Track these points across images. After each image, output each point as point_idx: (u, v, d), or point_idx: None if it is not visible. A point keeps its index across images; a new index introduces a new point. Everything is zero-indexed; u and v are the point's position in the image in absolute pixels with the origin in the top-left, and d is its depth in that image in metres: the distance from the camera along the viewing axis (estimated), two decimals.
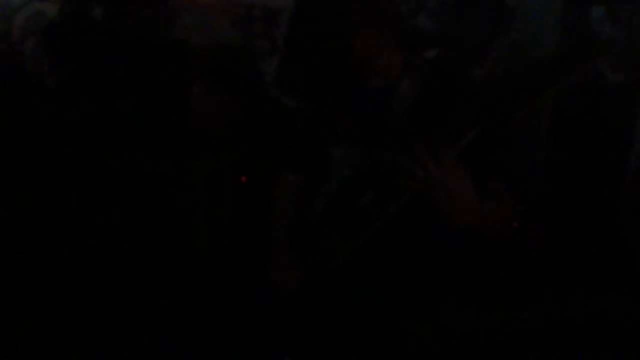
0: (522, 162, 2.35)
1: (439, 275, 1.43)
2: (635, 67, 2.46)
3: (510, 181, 1.26)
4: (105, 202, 2.38)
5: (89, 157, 2.39)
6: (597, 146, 2.41)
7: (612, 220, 2.42)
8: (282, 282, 1.53)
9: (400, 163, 1.23)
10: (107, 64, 2.31)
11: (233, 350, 2.05)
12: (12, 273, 2.22)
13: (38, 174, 2.40)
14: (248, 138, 2.29)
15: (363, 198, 1.36)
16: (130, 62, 2.31)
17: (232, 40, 2.37)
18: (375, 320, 1.41)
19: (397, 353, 1.41)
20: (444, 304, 1.43)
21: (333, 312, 1.46)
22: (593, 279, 2.19)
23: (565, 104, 2.37)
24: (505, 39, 2.47)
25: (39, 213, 2.38)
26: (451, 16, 2.43)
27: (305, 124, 1.65)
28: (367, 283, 1.42)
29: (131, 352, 2.05)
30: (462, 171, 1.14)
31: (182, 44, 2.32)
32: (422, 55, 1.50)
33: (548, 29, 2.49)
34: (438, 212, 1.15)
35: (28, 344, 2.04)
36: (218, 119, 2.34)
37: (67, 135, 2.38)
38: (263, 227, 1.64)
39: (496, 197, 1.22)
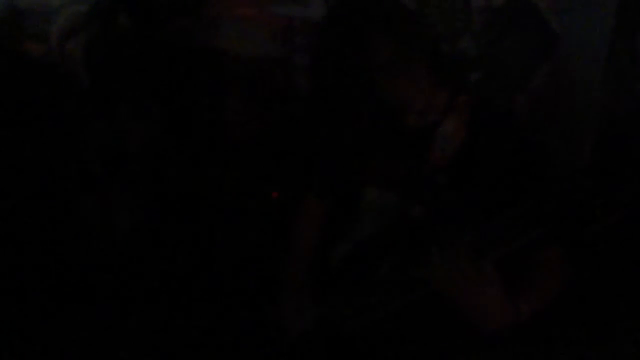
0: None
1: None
2: None
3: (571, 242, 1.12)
4: (131, 209, 2.36)
5: (119, 163, 2.37)
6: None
7: None
8: (288, 326, 1.40)
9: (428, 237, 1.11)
10: (143, 71, 2.30)
11: None
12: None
13: (66, 174, 2.40)
14: (283, 153, 2.25)
15: (383, 266, 1.24)
16: (167, 70, 2.29)
17: (271, 53, 2.33)
18: None
19: None
20: None
21: None
22: None
23: (609, 139, 2.30)
24: (549, 65, 2.41)
25: (61, 213, 2.37)
26: (496, 39, 2.38)
27: (337, 155, 1.47)
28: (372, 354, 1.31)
29: None
30: (493, 280, 1.02)
31: (220, 54, 2.30)
32: (468, 89, 1.35)
33: (594, 57, 2.43)
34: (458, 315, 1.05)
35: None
36: (253, 131, 2.30)
37: (99, 140, 2.37)
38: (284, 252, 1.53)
39: (546, 272, 1.12)
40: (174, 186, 2.29)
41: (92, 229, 2.34)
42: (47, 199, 2.35)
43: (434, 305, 1.12)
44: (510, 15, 2.39)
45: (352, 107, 1.29)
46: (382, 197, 1.33)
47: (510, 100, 2.36)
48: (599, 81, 2.40)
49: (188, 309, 2.12)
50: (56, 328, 2.08)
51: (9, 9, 2.39)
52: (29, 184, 2.34)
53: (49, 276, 2.22)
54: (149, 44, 2.21)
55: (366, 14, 1.19)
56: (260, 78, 2.31)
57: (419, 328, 1.24)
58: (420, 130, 1.27)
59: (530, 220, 0.96)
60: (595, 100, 2.40)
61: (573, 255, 1.16)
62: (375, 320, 1.23)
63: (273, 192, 2.25)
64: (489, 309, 1.04)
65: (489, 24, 2.39)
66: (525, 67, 2.40)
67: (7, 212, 2.30)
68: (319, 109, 1.73)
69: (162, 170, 2.29)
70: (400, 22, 1.21)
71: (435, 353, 1.25)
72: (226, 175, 2.28)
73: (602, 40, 2.40)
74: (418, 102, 1.24)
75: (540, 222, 0.95)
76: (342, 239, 1.38)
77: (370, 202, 1.34)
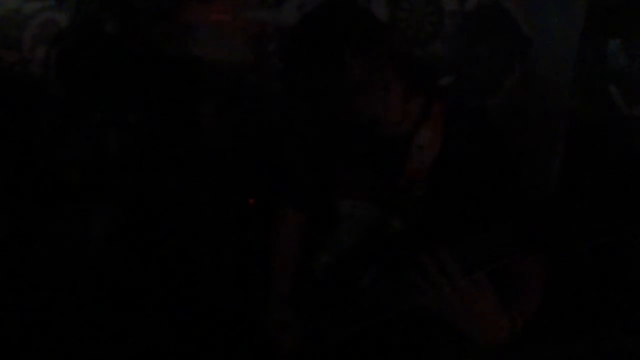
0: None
1: None
2: None
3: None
4: (108, 218, 2.35)
5: (92, 169, 2.36)
6: (615, 183, 2.36)
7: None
8: (277, 340, 1.39)
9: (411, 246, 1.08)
10: (117, 77, 2.29)
11: None
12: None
13: (40, 183, 2.38)
14: (257, 159, 2.26)
15: (365, 277, 1.23)
16: (141, 75, 2.29)
17: (245, 58, 2.34)
18: None
19: None
20: None
21: None
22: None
23: (579, 140, 2.33)
24: (521, 67, 2.44)
25: (37, 223, 2.35)
26: (468, 43, 2.40)
27: (310, 166, 1.44)
28: None
29: None
30: (484, 291, 1.00)
31: (194, 60, 2.30)
32: (442, 94, 1.29)
33: (564, 60, 2.46)
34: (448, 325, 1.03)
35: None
36: (228, 137, 2.31)
37: (72, 146, 2.36)
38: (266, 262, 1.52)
39: (531, 278, 1.12)
40: (150, 194, 2.28)
41: (69, 238, 2.33)
42: (23, 209, 2.34)
43: (420, 316, 1.11)
44: (482, 19, 2.41)
45: (324, 119, 1.28)
46: (360, 208, 1.31)
47: (483, 103, 2.38)
48: (569, 83, 2.43)
49: (167, 320, 2.11)
50: (31, 335, 2.06)
51: None
52: (4, 193, 2.33)
53: (25, 285, 2.21)
54: (127, 51, 2.21)
55: (336, 31, 1.16)
56: (235, 84, 2.31)
57: (405, 338, 1.24)
58: (396, 140, 1.25)
59: (519, 236, 0.95)
60: (566, 101, 2.43)
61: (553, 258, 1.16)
62: (361, 331, 1.22)
63: (249, 198, 2.26)
64: (485, 322, 1.02)
65: (461, 27, 2.41)
66: (497, 70, 2.43)
67: None
68: (291, 118, 1.71)
69: (139, 177, 2.28)
70: (371, 38, 1.19)
71: None
72: (202, 182, 2.27)
73: (572, 43, 2.44)
74: (393, 114, 1.20)
75: (529, 238, 0.94)
76: (323, 250, 1.38)
77: (348, 214, 1.32)
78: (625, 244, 0.97)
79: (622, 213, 0.88)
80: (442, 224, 1.18)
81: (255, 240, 2.16)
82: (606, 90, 2.43)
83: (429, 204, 1.22)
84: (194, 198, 2.31)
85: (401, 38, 2.23)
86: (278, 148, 2.12)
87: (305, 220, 1.49)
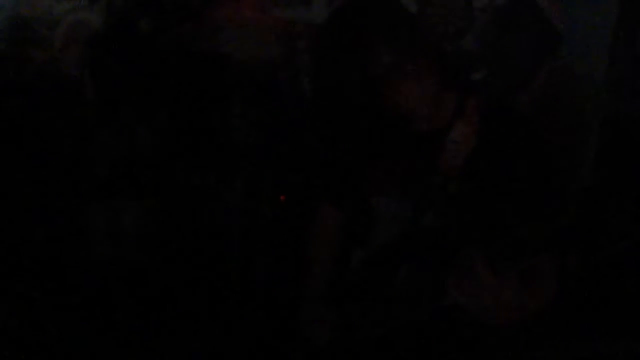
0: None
1: None
2: None
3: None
4: (139, 214, 2.36)
5: (122, 167, 2.38)
6: None
7: None
8: (311, 334, 1.41)
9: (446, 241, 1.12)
10: (147, 76, 2.30)
11: None
12: None
13: (73, 181, 2.40)
14: (289, 156, 2.26)
15: (399, 273, 1.25)
16: (171, 74, 2.30)
17: (275, 56, 2.33)
18: None
19: None
20: None
21: None
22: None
23: (613, 136, 2.30)
24: (552, 63, 2.41)
25: (68, 220, 2.38)
26: (498, 38, 2.38)
27: (346, 163, 1.46)
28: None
29: None
30: (511, 286, 1.05)
31: (223, 58, 2.30)
32: (475, 91, 1.32)
33: (596, 54, 2.43)
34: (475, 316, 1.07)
35: None
36: (259, 134, 2.31)
37: (106, 146, 2.38)
38: (299, 258, 1.54)
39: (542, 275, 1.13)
40: (180, 191, 2.30)
41: (99, 235, 2.35)
42: (54, 206, 2.36)
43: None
44: (513, 13, 2.39)
45: (357, 114, 1.29)
46: (394, 205, 1.32)
47: (514, 98, 2.36)
48: (601, 78, 2.40)
49: (200, 317, 2.12)
50: (60, 334, 2.08)
51: (13, 17, 2.40)
52: (36, 191, 2.35)
53: (55, 281, 2.23)
54: (157, 50, 2.22)
55: (366, 21, 1.18)
56: (264, 82, 2.31)
57: (436, 333, 1.24)
58: (429, 136, 1.26)
59: (548, 239, 0.97)
60: (598, 96, 2.40)
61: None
62: (395, 327, 1.23)
63: (281, 195, 2.26)
64: (504, 309, 1.07)
65: (491, 22, 2.39)
66: (528, 66, 2.40)
67: (14, 218, 2.31)
68: (324, 116, 1.72)
69: (169, 175, 2.29)
70: (401, 28, 1.20)
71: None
72: (232, 180, 2.28)
73: (604, 36, 2.41)
74: (424, 106, 1.22)
75: (557, 242, 0.97)
76: (358, 247, 1.39)
77: (383, 210, 1.34)
78: None
79: None
80: (476, 220, 1.18)
81: (287, 236, 2.16)
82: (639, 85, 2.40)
83: (463, 200, 1.21)
84: (224, 196, 2.32)
85: (430, 32, 2.21)
86: (311, 146, 2.12)
87: (343, 217, 1.49)
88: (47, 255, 2.31)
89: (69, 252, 2.33)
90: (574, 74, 2.40)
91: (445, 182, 1.24)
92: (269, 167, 2.29)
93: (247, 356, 2.03)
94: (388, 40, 1.17)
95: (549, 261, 1.16)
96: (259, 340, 2.00)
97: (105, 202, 2.39)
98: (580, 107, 2.38)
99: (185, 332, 2.11)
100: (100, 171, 2.38)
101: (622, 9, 2.36)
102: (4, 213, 2.29)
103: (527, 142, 1.22)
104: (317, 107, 2.17)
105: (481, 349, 1.23)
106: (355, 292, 1.37)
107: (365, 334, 1.30)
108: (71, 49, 2.40)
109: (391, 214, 1.33)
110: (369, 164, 1.37)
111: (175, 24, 2.28)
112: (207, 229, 2.30)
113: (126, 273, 2.28)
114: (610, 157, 2.33)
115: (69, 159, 2.42)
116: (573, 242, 0.97)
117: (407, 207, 1.30)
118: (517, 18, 2.39)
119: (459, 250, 1.08)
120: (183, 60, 2.29)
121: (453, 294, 1.08)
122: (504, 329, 1.13)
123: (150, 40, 2.24)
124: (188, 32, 2.31)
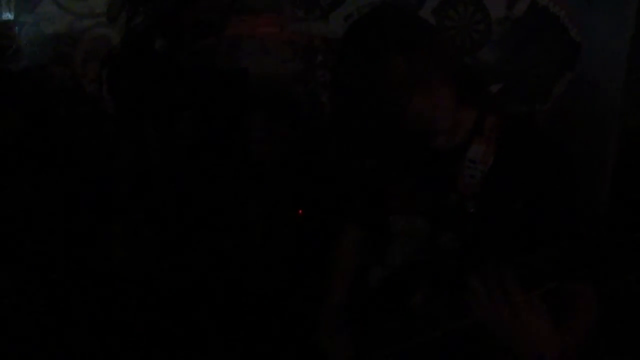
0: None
1: None
2: None
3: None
4: (157, 230, 2.38)
5: (143, 183, 2.40)
6: None
7: None
8: (327, 350, 1.40)
9: (464, 268, 1.05)
10: (167, 92, 2.32)
11: None
12: None
13: (90, 195, 2.43)
14: (308, 171, 2.27)
15: (417, 293, 1.22)
16: (190, 90, 2.32)
17: (293, 70, 2.35)
18: None
19: None
20: None
21: None
22: None
23: (632, 147, 2.29)
24: (570, 74, 2.40)
25: (88, 236, 2.40)
26: (516, 49, 2.37)
27: (365, 181, 1.44)
28: None
29: None
30: (540, 310, 0.99)
31: (242, 72, 2.32)
32: (495, 106, 1.27)
33: (614, 65, 2.41)
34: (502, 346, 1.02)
35: None
36: (276, 149, 2.32)
37: (123, 160, 2.40)
38: (319, 270, 1.54)
39: (579, 306, 1.11)
40: (199, 205, 2.31)
41: (119, 251, 2.37)
42: (73, 222, 2.38)
43: (470, 335, 1.11)
44: (530, 25, 2.38)
45: (375, 129, 1.27)
46: (411, 223, 1.30)
47: (532, 110, 2.35)
48: (620, 88, 2.38)
49: (217, 333, 2.13)
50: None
51: (35, 34, 2.43)
52: (55, 207, 2.38)
53: (74, 297, 2.25)
54: (176, 66, 2.24)
55: (384, 31, 1.16)
56: (283, 96, 2.33)
57: (456, 355, 1.23)
58: (447, 153, 1.24)
59: (573, 259, 0.94)
60: (617, 108, 2.39)
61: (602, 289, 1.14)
62: (412, 348, 1.23)
63: (298, 209, 2.27)
64: (537, 340, 1.01)
65: (509, 34, 2.38)
66: (546, 77, 2.39)
67: (32, 232, 2.34)
68: (341, 131, 1.71)
69: (188, 189, 2.31)
70: (418, 39, 1.18)
71: None
72: (251, 194, 2.30)
73: (622, 47, 2.39)
74: (443, 121, 1.20)
75: (583, 263, 0.93)
76: (376, 265, 1.39)
77: (401, 229, 1.32)
78: None
79: None
80: (495, 240, 1.17)
81: (305, 251, 2.18)
82: None
83: (481, 220, 1.21)
84: (243, 210, 2.33)
85: (449, 44, 2.21)
86: (330, 162, 2.13)
87: (363, 234, 1.49)
88: (69, 268, 2.33)
89: (87, 262, 2.35)
90: (592, 84, 2.39)
91: (462, 200, 1.22)
92: (287, 182, 2.30)
93: None
94: (406, 52, 1.15)
95: (584, 289, 1.13)
96: (276, 356, 2.01)
97: (125, 216, 2.41)
98: (599, 117, 2.37)
99: (197, 343, 2.13)
100: (121, 186, 2.40)
101: (639, 18, 2.34)
102: (23, 227, 2.31)
103: (548, 161, 1.19)
104: (336, 121, 2.17)
105: None
106: (373, 310, 1.36)
107: (382, 354, 1.29)
108: (91, 65, 2.43)
109: (409, 233, 1.31)
110: (387, 180, 1.35)
111: (194, 40, 2.30)
112: (226, 242, 2.32)
113: (143, 281, 2.29)
114: (630, 168, 2.32)
115: (90, 173, 2.45)
116: (587, 267, 0.92)
117: (425, 226, 1.28)
118: (535, 29, 2.38)
119: (479, 270, 1.03)
120: (202, 76, 2.31)
121: (475, 313, 1.03)
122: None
123: (168, 57, 2.26)
124: (207, 47, 2.32)
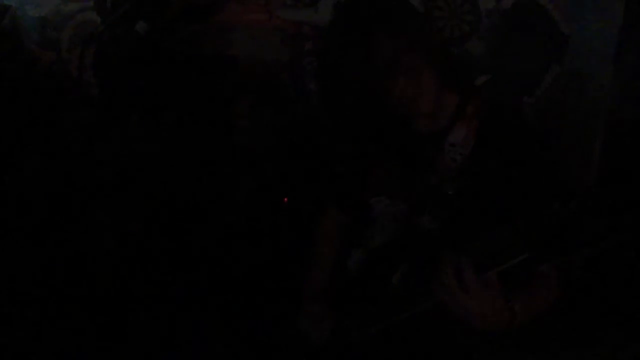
0: None
1: None
2: None
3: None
4: (143, 215, 2.37)
5: (129, 169, 2.38)
6: None
7: None
8: (308, 332, 1.42)
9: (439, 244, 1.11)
10: (151, 77, 2.30)
11: None
12: None
13: (75, 181, 2.41)
14: (294, 158, 2.26)
15: (395, 275, 1.25)
16: (176, 76, 2.30)
17: (281, 58, 2.34)
18: None
19: None
20: None
21: None
22: None
23: (619, 139, 2.30)
24: (558, 67, 2.41)
25: (71, 221, 2.38)
26: (504, 41, 2.38)
27: (348, 164, 1.47)
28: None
29: None
30: (496, 292, 1.03)
31: (229, 59, 2.31)
32: (477, 93, 1.30)
33: (602, 57, 2.42)
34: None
35: None
36: (263, 136, 2.31)
37: (108, 145, 2.38)
38: (300, 258, 1.55)
39: (540, 284, 1.14)
40: (184, 193, 2.30)
41: (103, 237, 2.35)
42: (57, 208, 2.36)
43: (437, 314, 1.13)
44: (518, 16, 2.39)
45: (360, 111, 1.28)
46: (392, 206, 1.33)
47: (519, 102, 2.36)
48: (608, 81, 2.39)
49: (201, 317, 2.13)
50: (60, 335, 2.09)
51: (20, 17, 2.40)
52: (39, 192, 2.36)
53: (58, 282, 2.24)
54: (161, 51, 2.22)
55: (372, 16, 1.18)
56: (270, 83, 2.32)
57: (422, 336, 1.25)
58: (429, 136, 1.26)
59: (530, 238, 0.96)
60: (605, 99, 2.40)
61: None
62: (383, 330, 1.24)
63: (284, 197, 2.26)
64: (488, 315, 1.05)
65: (497, 26, 2.39)
66: (535, 69, 2.40)
67: (17, 219, 2.31)
68: (327, 114, 1.72)
69: (173, 177, 2.30)
70: (406, 24, 1.20)
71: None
72: (236, 181, 2.28)
73: (610, 41, 2.40)
74: (426, 104, 1.21)
75: (540, 243, 0.95)
76: (356, 247, 1.39)
77: (381, 211, 1.34)
78: None
79: None
80: (472, 223, 1.18)
81: (289, 237, 2.17)
82: None
83: (459, 202, 1.21)
84: (228, 198, 2.32)
85: (433, 27, 2.21)
86: (315, 148, 2.13)
87: (346, 219, 1.51)
88: (51, 256, 2.32)
89: (74, 252, 2.34)
90: (580, 76, 2.40)
91: (442, 183, 1.24)
92: (273, 168, 2.29)
93: (244, 354, 2.03)
94: (392, 35, 1.17)
95: (549, 269, 1.16)
96: (257, 339, 2.00)
97: (108, 204, 2.39)
98: (586, 110, 2.38)
99: (185, 330, 2.12)
100: (105, 172, 2.38)
101: (627, 12, 2.35)
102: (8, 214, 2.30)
103: (527, 146, 1.22)
104: (322, 107, 2.17)
105: (473, 353, 1.25)
106: (353, 292, 1.38)
107: (361, 335, 1.30)
108: (78, 50, 2.40)
109: (388, 214, 1.34)
110: (369, 163, 1.37)
111: (181, 25, 2.28)
112: (211, 230, 2.30)
113: (130, 272, 2.28)
114: (615, 161, 2.33)
115: (75, 160, 2.43)
116: (552, 243, 0.94)
117: (404, 208, 1.30)
118: (523, 22, 2.39)
119: (448, 252, 1.07)
120: (188, 62, 2.30)
121: (438, 294, 1.08)
122: (495, 335, 1.12)
123: (152, 42, 2.24)
124: (195, 33, 2.31)
